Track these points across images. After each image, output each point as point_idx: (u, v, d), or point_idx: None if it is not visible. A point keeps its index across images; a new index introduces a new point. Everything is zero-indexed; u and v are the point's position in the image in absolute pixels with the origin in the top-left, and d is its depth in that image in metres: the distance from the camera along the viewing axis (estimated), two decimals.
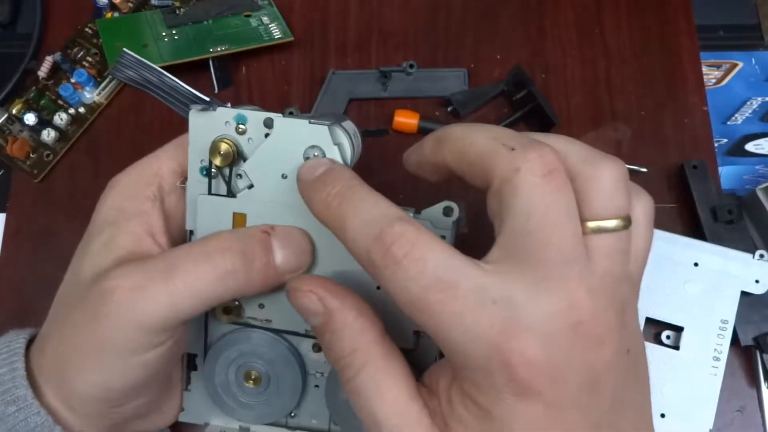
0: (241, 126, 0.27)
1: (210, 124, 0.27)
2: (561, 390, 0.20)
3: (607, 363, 0.20)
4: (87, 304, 0.25)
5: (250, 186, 0.28)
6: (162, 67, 0.42)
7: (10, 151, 0.42)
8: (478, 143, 0.22)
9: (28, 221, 0.42)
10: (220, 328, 0.31)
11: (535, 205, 0.20)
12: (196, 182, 0.28)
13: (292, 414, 0.32)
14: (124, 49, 0.28)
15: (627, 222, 0.22)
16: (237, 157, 0.27)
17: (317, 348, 0.30)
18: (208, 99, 0.28)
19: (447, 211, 0.27)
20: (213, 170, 0.28)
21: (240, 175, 0.28)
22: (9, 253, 0.41)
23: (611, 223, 0.21)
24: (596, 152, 0.22)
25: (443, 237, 0.27)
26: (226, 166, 0.27)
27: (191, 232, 0.29)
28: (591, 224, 0.21)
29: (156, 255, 0.27)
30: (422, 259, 0.20)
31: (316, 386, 0.31)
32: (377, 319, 0.24)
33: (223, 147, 0.27)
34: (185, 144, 0.29)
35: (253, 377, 0.31)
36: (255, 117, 0.27)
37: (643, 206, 0.24)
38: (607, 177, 0.22)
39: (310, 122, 0.26)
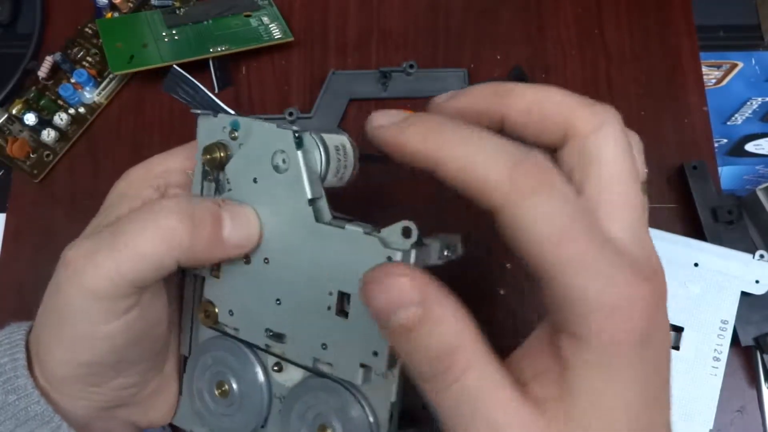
0: (234, 132, 0.27)
1: (212, 130, 0.28)
2: (646, 352, 0.20)
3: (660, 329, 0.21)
4: (52, 280, 0.26)
5: (229, 190, 0.28)
6: (162, 68, 0.42)
7: (10, 151, 0.42)
8: (554, 96, 0.22)
9: (28, 221, 0.42)
10: (205, 333, 0.30)
11: (623, 157, 0.21)
12: (198, 184, 0.29)
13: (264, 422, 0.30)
14: (174, 66, 0.29)
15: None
16: (225, 161, 0.27)
17: (278, 367, 0.28)
18: (235, 113, 0.29)
19: (405, 232, 0.24)
20: (210, 175, 0.28)
21: (228, 180, 0.28)
22: (9, 253, 0.41)
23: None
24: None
25: (401, 257, 0.23)
26: (214, 169, 0.28)
27: None
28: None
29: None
30: (566, 192, 0.19)
31: (280, 411, 0.29)
32: (472, 317, 0.21)
33: (212, 151, 0.27)
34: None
35: (222, 388, 0.29)
36: (245, 123, 0.27)
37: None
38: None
39: (277, 126, 0.26)
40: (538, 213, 0.19)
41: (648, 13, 0.46)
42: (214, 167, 0.28)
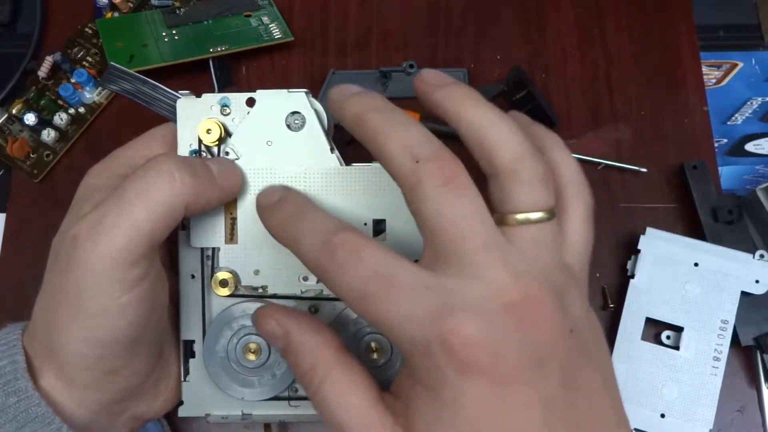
0: (225, 108, 0.30)
1: (197, 110, 0.30)
2: (503, 365, 0.21)
3: (547, 341, 0.21)
4: (59, 262, 0.26)
5: (237, 159, 0.30)
6: (162, 68, 0.42)
7: (10, 151, 0.42)
8: (389, 148, 0.23)
9: (28, 221, 0.42)
10: (219, 307, 0.31)
11: (441, 208, 0.22)
12: None
13: (295, 388, 0.32)
14: (111, 62, 0.30)
15: (550, 214, 0.23)
16: (224, 135, 0.30)
17: (314, 309, 0.31)
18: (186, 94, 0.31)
19: None
20: (203, 151, 0.30)
21: (227, 153, 0.30)
22: (9, 253, 0.41)
23: (534, 215, 0.23)
24: (528, 147, 0.23)
25: None
26: (215, 143, 0.30)
27: None
28: (516, 217, 0.23)
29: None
30: (362, 259, 0.22)
31: None
32: (335, 335, 0.25)
33: (211, 126, 0.29)
34: (158, 134, 0.31)
35: (253, 350, 0.31)
36: (237, 98, 0.30)
37: (581, 203, 0.25)
38: (527, 173, 0.23)
39: (288, 91, 0.30)
40: (343, 283, 0.23)
41: (648, 13, 0.46)
42: (216, 142, 0.30)
